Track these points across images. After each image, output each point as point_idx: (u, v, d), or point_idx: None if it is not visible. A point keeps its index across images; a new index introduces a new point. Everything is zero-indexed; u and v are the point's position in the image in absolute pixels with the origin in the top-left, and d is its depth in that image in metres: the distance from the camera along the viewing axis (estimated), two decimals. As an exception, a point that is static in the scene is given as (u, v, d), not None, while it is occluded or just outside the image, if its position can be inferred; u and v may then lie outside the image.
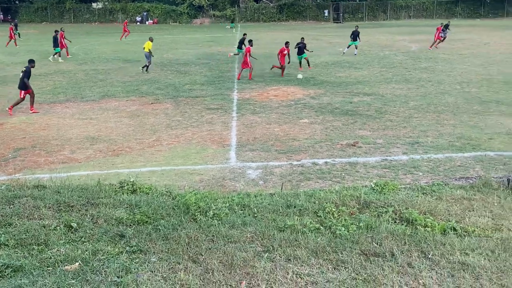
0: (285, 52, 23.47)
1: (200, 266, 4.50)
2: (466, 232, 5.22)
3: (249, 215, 5.70)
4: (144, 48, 25.18)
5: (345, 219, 5.49)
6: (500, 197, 6.45)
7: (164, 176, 10.22)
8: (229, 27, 54.25)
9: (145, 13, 67.10)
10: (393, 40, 35.85)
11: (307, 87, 20.48)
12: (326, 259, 4.43)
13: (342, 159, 11.53)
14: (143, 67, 25.14)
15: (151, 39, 25.48)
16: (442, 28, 33.19)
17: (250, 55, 23.02)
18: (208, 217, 5.65)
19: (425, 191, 6.56)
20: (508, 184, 6.94)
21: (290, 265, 4.35)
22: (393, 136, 13.34)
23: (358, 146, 12.48)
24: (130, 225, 5.65)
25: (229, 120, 15.27)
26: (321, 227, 5.29)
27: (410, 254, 4.52)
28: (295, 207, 5.95)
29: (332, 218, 5.55)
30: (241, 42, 27.95)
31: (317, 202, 6.04)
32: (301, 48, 25.15)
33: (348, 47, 31.29)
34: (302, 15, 64.05)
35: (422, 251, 4.61)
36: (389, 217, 5.52)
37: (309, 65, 25.32)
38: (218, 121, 15.20)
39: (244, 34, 28.83)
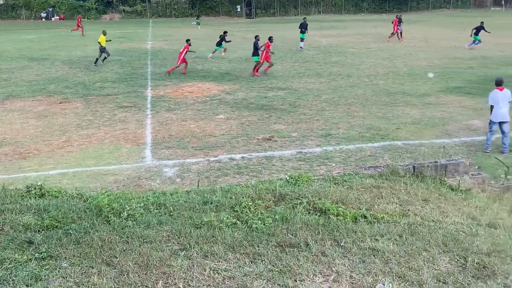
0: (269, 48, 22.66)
1: (115, 268, 4.37)
2: (375, 219, 5.44)
3: (165, 214, 5.61)
4: (99, 42, 24.92)
5: (261, 213, 5.54)
6: (407, 184, 6.79)
7: (76, 178, 9.83)
8: (194, 23, 53.47)
9: (50, 9, 64.03)
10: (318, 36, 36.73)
11: (222, 83, 20.48)
12: (243, 253, 4.45)
13: (259, 153, 11.65)
14: (103, 60, 25.11)
15: (104, 33, 25.20)
16: (398, 21, 34.68)
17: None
18: (122, 218, 5.50)
19: (337, 181, 6.77)
20: (414, 171, 7.32)
21: (207, 261, 4.33)
22: (307, 129, 13.66)
23: (274, 140, 12.66)
24: (38, 230, 5.37)
25: (143, 118, 14.95)
26: (238, 222, 5.31)
27: (324, 243, 4.65)
28: (211, 203, 5.93)
29: (249, 212, 5.58)
30: (222, 40, 27.47)
31: (233, 197, 6.06)
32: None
33: (302, 41, 31.55)
34: (214, 10, 63.93)
35: (335, 239, 4.75)
36: (303, 208, 5.64)
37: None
38: (131, 119, 14.83)
39: (225, 32, 28.15)
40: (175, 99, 17.47)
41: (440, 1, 68.91)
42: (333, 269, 4.12)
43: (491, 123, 12.02)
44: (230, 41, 27.33)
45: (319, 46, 32.54)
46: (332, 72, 22.87)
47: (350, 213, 5.56)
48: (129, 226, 5.23)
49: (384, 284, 3.80)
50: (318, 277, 4.00)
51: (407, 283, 3.87)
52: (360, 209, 5.68)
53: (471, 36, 30.84)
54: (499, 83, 12.12)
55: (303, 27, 31.42)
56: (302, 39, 31.35)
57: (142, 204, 5.83)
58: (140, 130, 13.67)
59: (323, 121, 14.46)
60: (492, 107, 12.05)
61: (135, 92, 18.85)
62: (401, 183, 6.76)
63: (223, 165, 10.77)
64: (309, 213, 5.58)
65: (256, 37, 23.15)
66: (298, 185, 6.54)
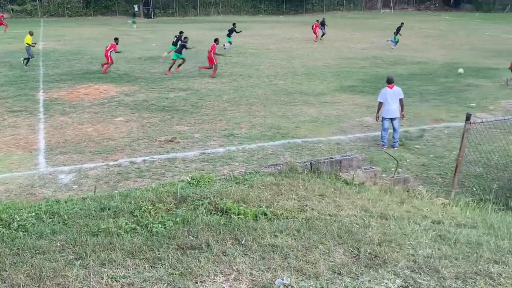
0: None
1: (5, 282, 4.10)
2: (275, 215, 5.55)
3: (58, 222, 5.35)
4: (27, 43, 23.97)
5: (162, 216, 5.46)
6: (305, 180, 7.01)
7: (-40, 189, 9.11)
8: (130, 22, 51.03)
9: None
10: (204, 36, 36.62)
11: (120, 84, 19.93)
12: (143, 258, 4.36)
13: (161, 155, 11.48)
14: (24, 59, 24.00)
15: (31, 33, 24.42)
16: (319, 24, 36.25)
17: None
18: (12, 229, 5.17)
19: (238, 181, 6.83)
20: (311, 167, 7.56)
21: (105, 269, 4.18)
22: (210, 130, 13.67)
23: (176, 141, 12.54)
24: None
25: (36, 123, 14.16)
26: (137, 227, 5.18)
27: (225, 242, 4.67)
28: (109, 209, 5.74)
29: (149, 216, 5.47)
30: (178, 39, 26.57)
31: (133, 201, 5.91)
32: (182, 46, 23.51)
33: (230, 44, 31.38)
34: (111, 10, 61.99)
35: (236, 238, 4.79)
36: (204, 209, 5.63)
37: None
38: (22, 124, 14.00)
39: (181, 32, 27.25)
40: (70, 102, 16.75)
41: (334, 3, 71.88)
42: (234, 267, 4.15)
43: (383, 120, 12.67)
44: (186, 40, 26.80)
45: (219, 47, 32.68)
46: (233, 72, 23.09)
47: (251, 211, 5.63)
48: (20, 237, 4.92)
49: (282, 279, 3.90)
50: (219, 276, 4.01)
51: (305, 276, 3.99)
52: (260, 207, 5.77)
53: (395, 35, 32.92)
54: (390, 81, 12.77)
55: (230, 32, 32.05)
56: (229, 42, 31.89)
57: (33, 214, 5.52)
58: (32, 135, 12.94)
59: (226, 121, 14.55)
60: (380, 103, 12.75)
61: (26, 95, 17.82)
62: (299, 179, 6.96)
63: (123, 169, 10.49)
64: (210, 213, 5.57)
65: (181, 34, 23.86)
66: (200, 186, 6.52)
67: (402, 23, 33.69)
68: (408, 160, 11.70)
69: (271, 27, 43.53)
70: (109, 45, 22.77)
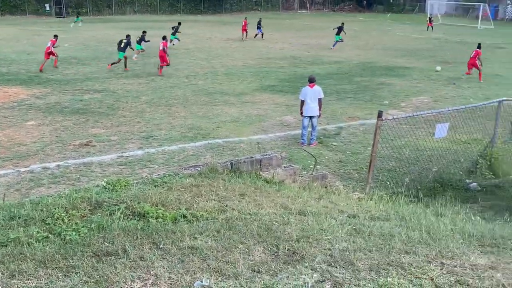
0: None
1: None
2: (195, 217, 5.49)
3: (-40, 235, 4.99)
4: None
5: (76, 223, 5.23)
6: (225, 180, 6.99)
7: None
8: (74, 22, 47.76)
9: None
10: (120, 35, 35.73)
11: (31, 87, 18.98)
12: (56, 267, 4.15)
13: (76, 160, 11.07)
14: None
15: None
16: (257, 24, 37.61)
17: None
18: None
19: (157, 183, 6.70)
20: (232, 167, 7.57)
21: (15, 281, 3.95)
22: (128, 132, 13.36)
23: (92, 145, 12.13)
24: None
25: None
26: (50, 235, 4.94)
27: (143, 247, 4.55)
28: (19, 217, 5.43)
29: (62, 223, 5.23)
30: (142, 39, 27.24)
31: (45, 209, 5.62)
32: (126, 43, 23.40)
33: (172, 42, 30.61)
34: (20, 9, 58.81)
35: (154, 242, 4.68)
36: (121, 214, 5.46)
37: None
38: None
39: (144, 32, 27.43)
40: (-24, 106, 15.76)
41: (252, 4, 72.51)
42: (152, 272, 4.05)
43: (303, 117, 12.97)
44: (148, 41, 27.65)
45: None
46: (151, 72, 22.69)
47: (170, 214, 5.53)
48: None
49: (201, 281, 3.86)
50: (137, 282, 3.90)
51: (224, 276, 3.97)
52: (180, 209, 5.68)
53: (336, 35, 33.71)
54: (311, 80, 13.09)
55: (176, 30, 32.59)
56: (171, 40, 31.78)
57: None
58: None
59: (144, 123, 14.28)
60: (302, 101, 13.03)
61: None
62: (219, 180, 6.94)
63: (36, 176, 10.01)
64: (127, 218, 5.41)
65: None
66: (116, 191, 6.32)
67: (343, 23, 34.96)
68: (326, 157, 12.02)
69: (189, 26, 43.15)
70: (49, 42, 23.02)
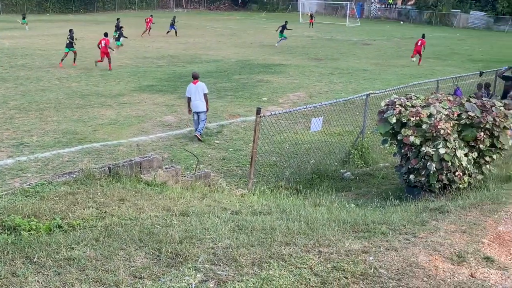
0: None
1: None
2: (71, 226, 5.22)
3: None
4: None
5: None
6: (103, 186, 6.72)
7: None
8: (20, 22, 43.64)
9: None
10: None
11: None
12: None
13: None
14: None
15: None
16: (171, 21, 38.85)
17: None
18: None
19: (28, 194, 6.26)
20: (110, 172, 7.29)
21: None
22: (-5, 140, 12.39)
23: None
24: None
25: None
26: None
27: (14, 262, 4.24)
28: None
29: None
30: (120, 35, 29.73)
31: None
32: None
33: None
34: None
35: (27, 256, 4.38)
36: (-11, 229, 5.04)
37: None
38: None
39: (121, 27, 30.73)
40: None
41: (126, 2, 70.59)
42: (26, 288, 3.79)
43: (192, 113, 13.30)
44: (126, 37, 30.36)
45: (1, 48, 29.77)
46: (19, 76, 21.23)
47: (43, 225, 5.20)
48: None
49: (81, 293, 3.68)
50: (9, 302, 3.63)
51: (104, 285, 3.82)
52: (54, 220, 5.36)
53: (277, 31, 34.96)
54: (194, 77, 13.33)
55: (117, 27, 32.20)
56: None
57: None
58: None
59: (14, 130, 13.33)
60: (188, 98, 13.24)
61: None
62: (97, 186, 6.66)
63: None
64: (-4, 233, 5.01)
65: (70, 30, 24.62)
66: (-18, 205, 5.82)
67: (286, 21, 36.03)
68: (209, 156, 12.06)
69: (59, 26, 40.97)
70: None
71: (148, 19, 39.05)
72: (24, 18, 44.98)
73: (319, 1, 74.06)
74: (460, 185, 7.31)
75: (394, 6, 72.13)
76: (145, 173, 7.69)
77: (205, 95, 13.17)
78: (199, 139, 13.01)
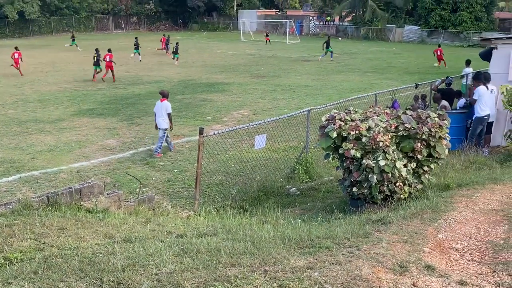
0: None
1: None
2: (8, 260, 4.99)
3: None
4: None
5: None
6: (42, 216, 6.47)
7: None
8: (69, 45, 45.17)
9: None
10: None
11: None
12: None
13: None
14: None
15: None
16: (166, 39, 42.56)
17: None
18: None
19: (-40, 228, 5.95)
20: (48, 201, 7.04)
21: None
22: None
23: None
24: None
25: None
26: None
27: None
28: None
29: None
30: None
31: None
32: None
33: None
34: None
35: (-41, 296, 4.15)
36: None
37: None
38: None
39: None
40: None
41: (63, 25, 69.12)
42: (-44, 333, 3.57)
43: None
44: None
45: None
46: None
47: (-23, 263, 4.95)
48: None
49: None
50: None
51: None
52: (-10, 255, 5.11)
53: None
54: (162, 95, 13.98)
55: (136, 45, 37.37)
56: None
57: None
58: None
59: None
60: (155, 114, 13.88)
61: None
62: (35, 216, 6.39)
63: None
64: None
65: (96, 49, 26.84)
66: None
67: (329, 36, 38.78)
68: (153, 178, 11.87)
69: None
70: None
71: (163, 39, 43.31)
72: (73, 39, 47.16)
73: (259, 20, 75.12)
74: (401, 195, 7.50)
75: (332, 22, 74.17)
76: (85, 200, 7.46)
77: (168, 114, 13.66)
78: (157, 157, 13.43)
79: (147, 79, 27.98)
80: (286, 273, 4.32)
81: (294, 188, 10.56)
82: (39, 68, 32.28)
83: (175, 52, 35.42)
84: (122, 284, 4.23)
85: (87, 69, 31.95)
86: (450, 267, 4.72)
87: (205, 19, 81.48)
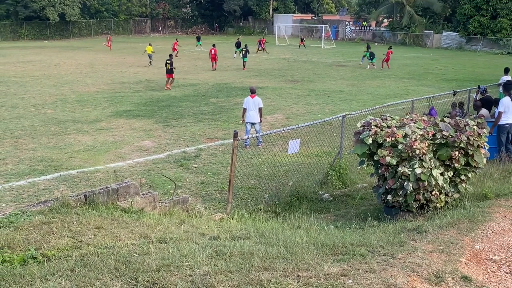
0: None
1: None
2: (46, 257, 5.11)
3: None
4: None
5: None
6: (79, 214, 6.61)
7: None
8: (198, 45, 49.89)
9: None
10: None
11: None
12: None
13: None
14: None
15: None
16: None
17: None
18: None
19: (2, 224, 6.11)
20: (86, 200, 7.18)
21: None
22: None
23: None
24: None
25: None
26: None
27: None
28: None
29: None
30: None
31: None
32: None
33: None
34: None
35: (0, 290, 4.28)
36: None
37: None
38: None
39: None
40: None
41: (102, 28, 70.60)
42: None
43: (246, 124, 14.88)
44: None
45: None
46: None
47: (17, 256, 5.08)
48: None
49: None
50: None
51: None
52: (29, 250, 5.24)
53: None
54: (252, 91, 14.94)
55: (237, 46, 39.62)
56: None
57: None
58: None
59: (-13, 159, 13.09)
60: (244, 109, 14.92)
61: None
62: (72, 214, 6.54)
63: None
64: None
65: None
66: None
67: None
68: (187, 180, 11.98)
69: (35, 53, 40.78)
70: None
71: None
72: (199, 40, 50.72)
73: (294, 24, 75.06)
74: (437, 204, 7.37)
75: (368, 28, 73.53)
76: (122, 200, 7.58)
77: (260, 109, 14.74)
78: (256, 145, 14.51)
79: (182, 82, 28.28)
80: (319, 279, 4.30)
81: (327, 194, 10.49)
82: (78, 70, 33.04)
83: (244, 56, 35.92)
84: (156, 284, 4.29)
85: (124, 71, 32.53)
86: (487, 279, 4.61)
87: (241, 23, 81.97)
